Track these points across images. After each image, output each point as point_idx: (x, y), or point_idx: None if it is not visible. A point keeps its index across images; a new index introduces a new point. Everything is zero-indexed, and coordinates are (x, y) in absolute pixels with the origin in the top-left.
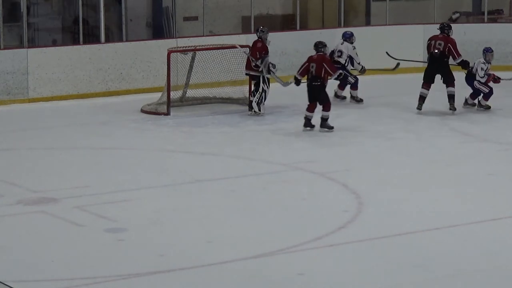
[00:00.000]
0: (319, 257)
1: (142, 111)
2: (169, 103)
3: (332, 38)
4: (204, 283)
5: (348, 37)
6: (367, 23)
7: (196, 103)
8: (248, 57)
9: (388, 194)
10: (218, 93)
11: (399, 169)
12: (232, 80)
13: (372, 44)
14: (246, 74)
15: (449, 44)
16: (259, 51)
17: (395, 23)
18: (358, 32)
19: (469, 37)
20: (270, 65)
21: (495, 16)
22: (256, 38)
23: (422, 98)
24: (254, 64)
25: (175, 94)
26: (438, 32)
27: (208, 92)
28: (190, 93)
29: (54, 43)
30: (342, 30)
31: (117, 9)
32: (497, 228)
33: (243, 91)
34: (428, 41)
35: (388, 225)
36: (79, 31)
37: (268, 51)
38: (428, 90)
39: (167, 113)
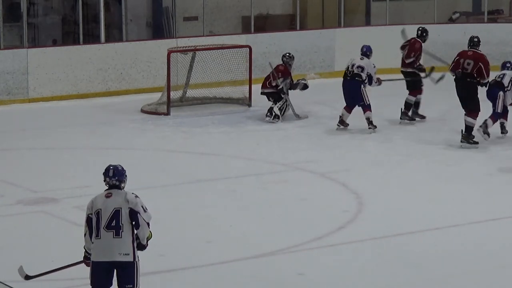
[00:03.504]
0: (319, 257)
1: (142, 111)
2: (169, 103)
3: (332, 38)
4: (204, 283)
5: (368, 53)
6: (367, 23)
7: (196, 103)
8: (266, 78)
9: (388, 194)
10: (218, 93)
11: (399, 169)
12: (232, 80)
13: (372, 44)
14: (262, 93)
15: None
16: (281, 72)
17: (395, 23)
18: (358, 32)
19: (469, 37)
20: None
21: (495, 16)
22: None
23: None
24: (275, 83)
25: (175, 94)
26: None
27: (208, 92)
28: (190, 93)
29: (54, 43)
30: (342, 30)
31: (117, 9)
32: (497, 228)
33: (243, 91)
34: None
35: (388, 225)
36: (79, 31)
37: (290, 76)
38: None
39: (167, 113)
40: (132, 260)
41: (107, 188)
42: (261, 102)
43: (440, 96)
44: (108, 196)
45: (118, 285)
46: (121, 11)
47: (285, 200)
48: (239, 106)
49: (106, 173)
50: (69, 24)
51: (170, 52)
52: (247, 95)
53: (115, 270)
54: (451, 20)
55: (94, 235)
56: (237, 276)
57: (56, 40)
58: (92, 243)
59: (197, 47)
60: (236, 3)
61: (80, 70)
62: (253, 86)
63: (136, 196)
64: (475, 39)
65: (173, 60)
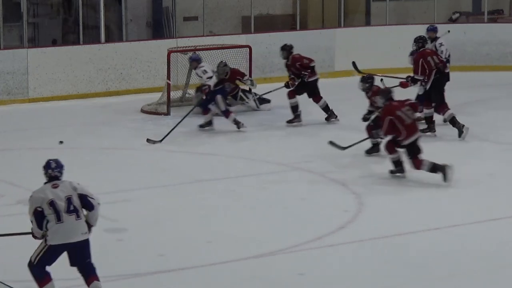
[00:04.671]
0: (319, 257)
1: (142, 111)
2: (169, 103)
3: (332, 38)
4: (204, 283)
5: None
6: (367, 23)
7: None
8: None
9: (388, 194)
10: None
11: None
12: None
13: (372, 44)
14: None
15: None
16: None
17: (395, 23)
18: (358, 32)
19: (469, 37)
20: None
21: (495, 16)
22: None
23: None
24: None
25: (175, 94)
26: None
27: None
28: (190, 93)
29: (54, 43)
30: (342, 30)
31: (117, 9)
32: (497, 228)
33: None
34: (424, 56)
35: (388, 225)
36: (79, 31)
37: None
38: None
39: (167, 113)
40: (88, 237)
41: (48, 180)
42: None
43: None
44: (55, 186)
45: (74, 263)
46: (121, 11)
47: (285, 200)
48: (239, 106)
49: (48, 166)
50: (69, 24)
51: (170, 52)
52: None
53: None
54: (451, 20)
55: (54, 221)
56: (237, 276)
57: (56, 40)
58: (47, 230)
59: (197, 47)
60: (236, 3)
61: (80, 70)
62: None
63: (79, 184)
64: (424, 37)
65: (173, 60)
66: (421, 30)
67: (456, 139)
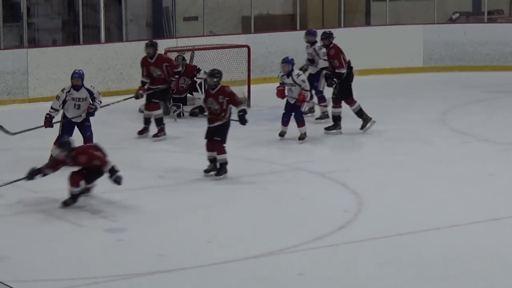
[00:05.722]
0: (319, 257)
1: (140, 111)
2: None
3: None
4: (204, 283)
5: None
6: (367, 23)
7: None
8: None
9: (388, 194)
10: None
11: (399, 169)
12: (232, 80)
13: (372, 44)
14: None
15: None
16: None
17: (395, 23)
18: (358, 32)
19: (469, 37)
20: None
21: (495, 16)
22: None
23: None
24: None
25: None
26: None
27: None
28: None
29: (54, 43)
30: (342, 30)
31: (117, 9)
32: (497, 228)
33: (243, 91)
34: (341, 51)
35: (388, 225)
36: (79, 31)
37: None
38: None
39: (167, 113)
40: None
41: None
42: (261, 102)
43: (440, 96)
44: None
45: None
46: (121, 11)
47: (285, 200)
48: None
49: None
50: (69, 24)
51: (166, 52)
52: (247, 95)
53: None
54: (451, 20)
55: None
56: (237, 276)
57: (56, 40)
58: None
59: (195, 47)
60: (236, 3)
61: None
62: (252, 86)
63: None
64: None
65: None
66: (421, 30)
67: (456, 139)
